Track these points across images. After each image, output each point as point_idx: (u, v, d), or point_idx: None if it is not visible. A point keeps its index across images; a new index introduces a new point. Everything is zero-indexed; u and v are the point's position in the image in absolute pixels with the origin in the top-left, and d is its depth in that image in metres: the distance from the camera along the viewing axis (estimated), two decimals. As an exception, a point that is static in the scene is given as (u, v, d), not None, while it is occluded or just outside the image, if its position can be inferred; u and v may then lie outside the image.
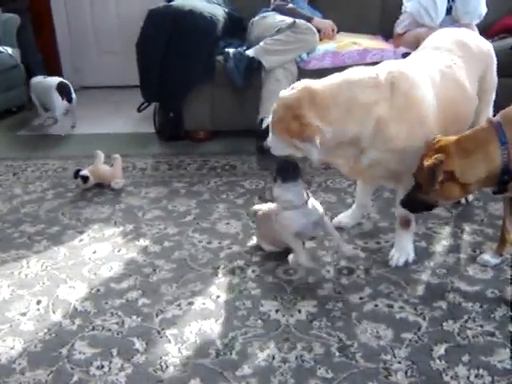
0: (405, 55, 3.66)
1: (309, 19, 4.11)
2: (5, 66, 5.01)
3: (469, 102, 2.60)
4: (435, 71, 2.44)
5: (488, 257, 2.48)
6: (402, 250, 2.55)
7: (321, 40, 4.11)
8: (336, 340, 2.09)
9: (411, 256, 2.55)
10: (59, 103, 4.51)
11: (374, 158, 2.34)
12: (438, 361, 1.97)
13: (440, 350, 2.01)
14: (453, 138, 2.18)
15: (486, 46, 2.78)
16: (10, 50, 5.10)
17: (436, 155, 2.12)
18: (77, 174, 3.46)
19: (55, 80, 4.60)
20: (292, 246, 2.46)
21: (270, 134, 2.37)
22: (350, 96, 2.27)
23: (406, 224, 2.54)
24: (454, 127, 2.43)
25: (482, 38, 2.85)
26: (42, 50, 5.75)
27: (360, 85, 2.30)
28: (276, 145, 2.36)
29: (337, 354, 2.02)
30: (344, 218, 2.90)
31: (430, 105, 2.35)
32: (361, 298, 2.31)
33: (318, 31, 4.08)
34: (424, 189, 2.19)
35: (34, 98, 4.83)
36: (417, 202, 2.28)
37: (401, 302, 2.27)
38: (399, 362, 1.97)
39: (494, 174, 2.11)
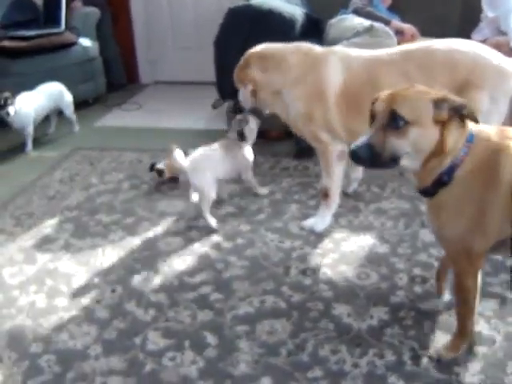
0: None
1: (387, 22, 4.08)
2: (83, 58, 5.14)
3: None
4: (360, 61, 2.74)
5: None
6: (320, 219, 2.93)
7: (399, 44, 4.07)
8: (408, 348, 2.08)
9: (324, 226, 2.91)
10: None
11: (292, 113, 2.81)
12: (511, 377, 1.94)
13: (515, 366, 1.98)
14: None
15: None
16: (88, 43, 5.22)
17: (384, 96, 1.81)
18: (152, 167, 3.53)
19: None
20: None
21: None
22: (282, 56, 2.79)
23: (324, 196, 2.92)
24: (357, 121, 2.59)
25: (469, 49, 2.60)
26: (119, 44, 5.87)
27: (294, 51, 2.80)
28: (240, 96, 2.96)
29: (409, 362, 2.01)
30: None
31: (332, 85, 2.69)
32: (434, 308, 2.29)
33: (397, 33, 4.05)
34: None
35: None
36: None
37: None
38: (473, 375, 1.94)
39: (443, 159, 1.78)
